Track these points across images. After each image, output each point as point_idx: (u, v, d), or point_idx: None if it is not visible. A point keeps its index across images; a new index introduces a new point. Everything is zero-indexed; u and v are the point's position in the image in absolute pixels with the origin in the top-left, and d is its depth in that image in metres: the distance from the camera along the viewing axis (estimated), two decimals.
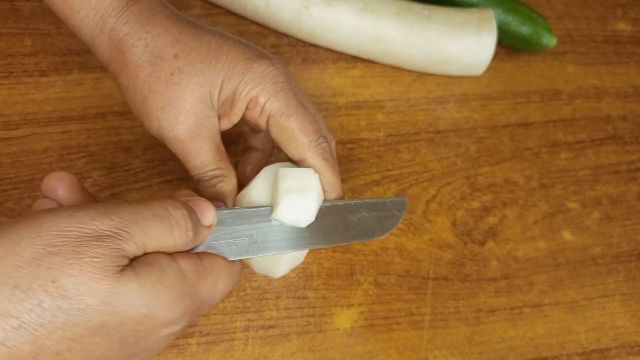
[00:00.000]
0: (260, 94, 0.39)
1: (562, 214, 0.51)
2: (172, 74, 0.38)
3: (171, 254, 0.33)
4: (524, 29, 0.56)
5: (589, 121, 0.56)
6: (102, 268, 0.29)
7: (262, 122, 0.40)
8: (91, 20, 0.39)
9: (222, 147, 0.40)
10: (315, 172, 0.40)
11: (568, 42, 0.60)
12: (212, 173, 0.40)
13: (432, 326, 0.45)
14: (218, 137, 0.40)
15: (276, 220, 0.38)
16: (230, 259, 0.36)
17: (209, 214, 0.35)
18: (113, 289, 0.29)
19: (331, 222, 0.40)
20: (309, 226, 0.39)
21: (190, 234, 0.33)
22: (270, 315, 0.44)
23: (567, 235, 0.51)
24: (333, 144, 0.42)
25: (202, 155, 0.39)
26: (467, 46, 0.53)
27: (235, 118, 0.40)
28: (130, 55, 0.38)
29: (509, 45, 0.57)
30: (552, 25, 0.57)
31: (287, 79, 0.40)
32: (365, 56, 0.55)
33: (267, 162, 0.45)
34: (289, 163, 0.42)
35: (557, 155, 0.54)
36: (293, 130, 0.39)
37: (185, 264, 0.33)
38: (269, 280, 0.45)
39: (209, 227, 0.35)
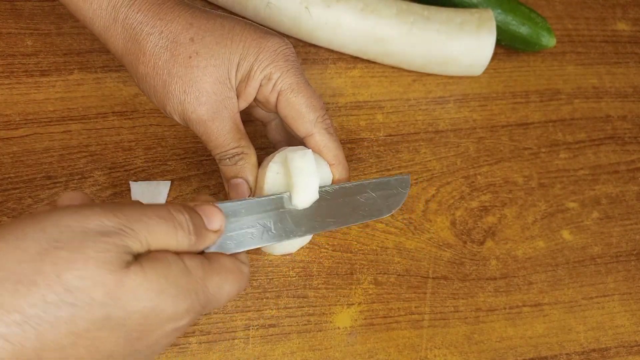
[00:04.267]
0: (274, 71, 0.40)
1: (562, 213, 0.52)
2: (190, 57, 0.39)
3: (177, 253, 0.33)
4: (524, 29, 0.56)
5: (588, 121, 0.57)
6: (107, 262, 0.29)
7: (272, 99, 0.41)
8: (104, 10, 0.39)
9: (241, 126, 0.41)
10: (323, 147, 0.41)
11: (567, 42, 0.60)
12: (233, 151, 0.41)
13: (431, 325, 0.45)
14: (238, 116, 0.41)
15: (292, 203, 0.39)
16: (245, 249, 0.36)
17: (215, 218, 0.35)
18: (118, 282, 0.29)
19: (340, 204, 0.41)
20: (319, 210, 0.40)
21: (193, 237, 0.33)
22: (270, 314, 0.44)
23: (566, 234, 0.51)
24: (332, 122, 0.43)
25: (224, 134, 0.40)
26: (466, 46, 0.53)
27: (249, 97, 0.41)
28: (146, 43, 0.39)
29: (508, 45, 0.57)
30: (551, 25, 0.57)
31: (296, 57, 0.41)
32: (365, 57, 0.55)
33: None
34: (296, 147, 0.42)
35: (556, 155, 0.54)
36: (301, 106, 0.41)
37: (191, 261, 0.33)
38: (270, 279, 0.45)
39: (216, 231, 0.35)
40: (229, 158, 0.41)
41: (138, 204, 0.33)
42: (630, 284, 0.50)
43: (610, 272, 0.50)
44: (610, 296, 0.49)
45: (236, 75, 0.40)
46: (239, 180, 0.41)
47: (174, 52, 0.39)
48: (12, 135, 0.47)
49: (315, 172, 0.39)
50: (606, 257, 0.50)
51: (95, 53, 0.51)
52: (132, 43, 0.39)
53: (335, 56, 0.55)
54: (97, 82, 0.50)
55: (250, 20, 0.55)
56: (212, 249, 0.35)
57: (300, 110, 0.41)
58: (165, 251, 0.32)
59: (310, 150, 0.40)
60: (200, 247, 0.34)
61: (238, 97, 0.41)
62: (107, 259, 0.29)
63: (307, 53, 0.55)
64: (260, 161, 0.43)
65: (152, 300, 0.30)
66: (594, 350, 0.46)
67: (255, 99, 0.42)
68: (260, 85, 0.41)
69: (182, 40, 0.39)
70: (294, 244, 0.44)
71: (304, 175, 0.39)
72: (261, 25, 0.55)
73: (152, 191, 0.46)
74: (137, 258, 0.31)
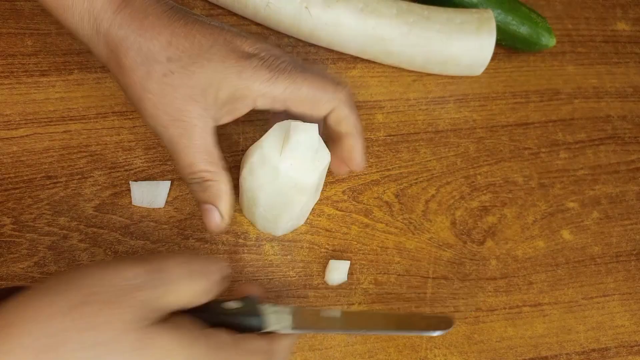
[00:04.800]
0: (263, 87, 0.39)
1: (561, 213, 0.52)
2: (165, 75, 0.39)
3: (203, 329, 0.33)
4: (524, 29, 0.56)
5: (588, 121, 0.57)
6: (133, 320, 0.29)
7: (278, 106, 0.40)
8: (86, 23, 0.40)
9: (214, 149, 0.40)
10: (343, 118, 0.41)
11: (567, 42, 0.60)
12: (201, 175, 0.40)
13: None
14: (210, 137, 0.40)
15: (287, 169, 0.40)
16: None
17: (222, 266, 0.35)
18: (142, 340, 0.29)
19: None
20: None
21: (215, 286, 0.34)
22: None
23: (566, 234, 0.51)
24: (349, 88, 0.42)
25: (190, 155, 0.40)
26: (466, 46, 0.53)
27: (241, 113, 0.41)
28: (124, 58, 0.39)
29: (508, 45, 0.57)
30: (551, 25, 0.57)
31: (279, 59, 0.40)
32: (365, 56, 0.55)
33: None
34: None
35: (556, 155, 0.54)
36: (310, 95, 0.40)
37: (216, 338, 0.33)
38: (270, 279, 0.45)
39: (225, 279, 0.35)
40: (197, 183, 0.40)
41: (165, 256, 0.33)
42: (631, 284, 0.50)
43: (611, 272, 0.50)
44: (610, 296, 0.49)
45: (216, 96, 0.39)
46: (208, 206, 0.41)
47: (150, 69, 0.39)
48: (12, 135, 0.47)
49: (315, 147, 0.40)
50: (606, 257, 0.50)
51: None
52: (113, 55, 0.39)
53: (335, 56, 0.55)
54: (97, 82, 0.50)
55: (250, 20, 0.55)
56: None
57: (313, 99, 0.40)
58: (192, 320, 0.32)
59: (315, 125, 0.40)
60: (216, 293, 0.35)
61: (223, 115, 0.40)
62: (133, 315, 0.30)
63: (307, 53, 0.55)
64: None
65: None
66: (594, 350, 0.46)
67: (263, 109, 0.42)
68: (256, 103, 0.40)
69: (159, 58, 0.38)
70: (278, 224, 0.44)
71: (302, 148, 0.39)
72: (261, 25, 0.55)
73: (152, 191, 0.46)
74: (168, 319, 0.31)
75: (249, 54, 0.39)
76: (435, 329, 0.39)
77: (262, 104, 0.40)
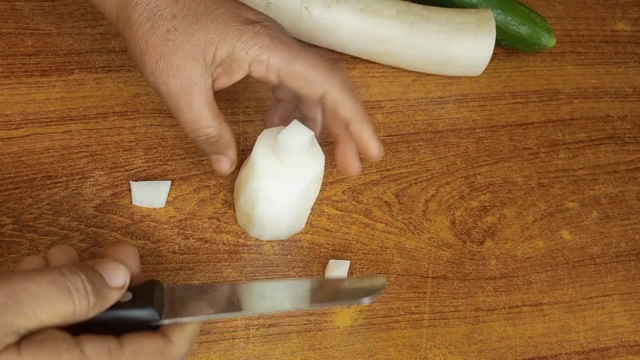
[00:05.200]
0: (260, 53, 0.40)
1: (561, 213, 0.52)
2: (169, 31, 0.40)
3: (76, 335, 0.30)
4: (523, 30, 0.56)
5: (588, 121, 0.57)
6: None
7: (271, 77, 0.41)
8: None
9: (214, 104, 0.41)
10: (339, 103, 0.41)
11: (567, 42, 0.60)
12: (204, 131, 0.41)
13: (431, 325, 0.45)
14: (210, 95, 0.41)
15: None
16: (199, 318, 0.33)
17: (118, 276, 0.32)
18: None
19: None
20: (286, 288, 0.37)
21: (92, 298, 0.30)
22: (270, 314, 0.44)
23: (566, 234, 0.51)
24: (346, 73, 0.42)
25: (193, 111, 0.41)
26: (466, 47, 0.53)
27: (235, 76, 0.41)
28: (132, 12, 0.40)
29: (508, 45, 0.57)
30: (551, 25, 0.57)
31: (282, 31, 0.41)
32: (364, 57, 0.55)
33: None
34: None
35: (555, 155, 0.54)
36: (304, 71, 0.40)
37: (92, 347, 0.29)
38: (270, 279, 0.45)
39: (119, 288, 0.32)
40: (201, 139, 0.42)
41: (30, 272, 0.30)
42: (630, 283, 0.50)
43: (610, 272, 0.50)
44: (610, 296, 0.49)
45: (214, 54, 0.40)
46: (217, 156, 0.43)
47: (155, 24, 0.40)
48: (12, 135, 0.47)
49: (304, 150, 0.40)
50: (606, 257, 0.50)
51: (95, 53, 0.51)
52: (122, 11, 0.41)
53: (335, 56, 0.55)
54: (97, 82, 0.50)
55: None
56: (165, 322, 0.33)
57: (306, 76, 0.40)
58: (59, 334, 0.29)
59: (307, 130, 0.40)
60: (103, 308, 0.31)
61: (220, 76, 0.41)
62: None
63: None
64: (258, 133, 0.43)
65: None
66: (593, 350, 0.47)
67: (257, 79, 0.42)
68: (252, 70, 0.40)
69: (165, 14, 0.40)
70: (284, 231, 0.45)
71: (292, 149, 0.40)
72: None
73: (152, 191, 0.46)
74: (22, 339, 0.28)
75: (253, 21, 0.40)
76: (364, 295, 0.34)
77: (256, 69, 0.40)
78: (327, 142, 0.48)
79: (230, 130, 0.43)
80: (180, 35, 0.39)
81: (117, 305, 0.32)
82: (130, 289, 0.33)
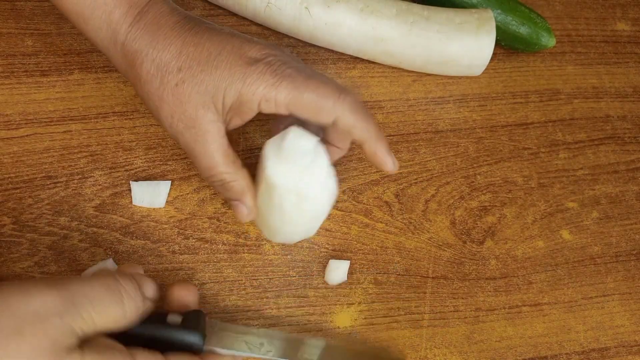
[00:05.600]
0: (267, 92, 0.40)
1: (561, 213, 0.52)
2: (177, 84, 0.40)
3: (130, 350, 0.33)
4: (523, 30, 0.56)
5: (588, 121, 0.57)
6: (43, 348, 0.29)
7: (282, 111, 0.41)
8: (104, 34, 0.41)
9: (230, 150, 0.42)
10: (350, 127, 0.41)
11: (567, 42, 0.60)
12: (220, 177, 0.42)
13: (431, 325, 0.46)
14: (224, 141, 0.41)
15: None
16: (235, 353, 0.38)
17: (149, 286, 0.36)
18: None
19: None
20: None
21: (140, 305, 0.34)
22: (270, 314, 0.44)
23: (565, 234, 0.51)
24: (356, 96, 0.42)
25: (208, 158, 0.41)
26: (466, 47, 0.53)
27: (247, 117, 0.42)
28: (140, 70, 0.41)
29: (508, 45, 0.57)
30: (551, 25, 0.57)
31: (286, 64, 0.41)
32: (364, 57, 0.55)
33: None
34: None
35: (555, 155, 0.54)
36: (313, 102, 0.40)
37: (143, 359, 0.32)
38: (270, 278, 0.45)
39: (151, 298, 0.36)
40: (219, 184, 0.42)
41: (85, 277, 0.33)
42: (630, 283, 0.50)
43: (610, 272, 0.50)
44: (610, 296, 0.49)
45: (223, 100, 0.40)
46: (235, 202, 0.43)
47: (163, 80, 0.40)
48: (12, 135, 0.47)
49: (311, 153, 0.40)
50: (606, 257, 0.50)
51: (95, 53, 0.51)
52: (130, 67, 0.41)
53: (335, 56, 0.55)
54: (97, 82, 0.50)
55: (250, 20, 0.55)
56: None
57: (315, 106, 0.40)
58: (115, 342, 0.32)
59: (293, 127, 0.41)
60: (142, 314, 0.35)
61: (232, 118, 0.42)
62: (44, 344, 0.29)
63: (307, 53, 0.55)
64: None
65: None
66: (593, 350, 0.47)
67: (268, 115, 0.42)
68: (261, 108, 0.41)
69: (171, 69, 0.40)
70: (294, 236, 0.45)
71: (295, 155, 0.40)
72: (261, 25, 0.55)
73: (152, 191, 0.46)
74: (82, 343, 0.30)
75: (256, 59, 0.40)
76: None
77: (266, 107, 0.40)
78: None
79: (247, 176, 0.42)
80: (189, 88, 0.40)
81: (169, 326, 0.36)
82: (182, 313, 0.38)
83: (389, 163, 0.42)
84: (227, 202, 0.43)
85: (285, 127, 0.45)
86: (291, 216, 0.42)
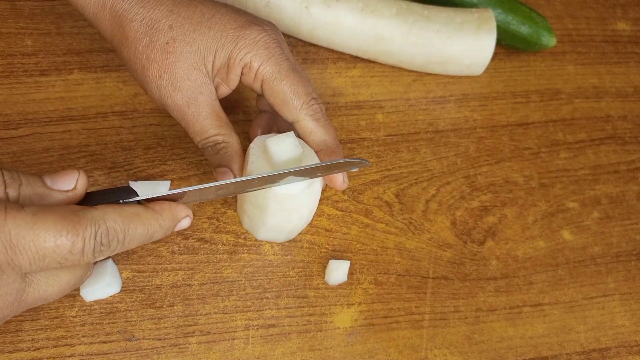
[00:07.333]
0: (253, 60, 0.40)
1: (562, 213, 0.51)
2: (167, 43, 0.40)
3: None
4: (524, 29, 0.56)
5: (589, 121, 0.56)
6: None
7: (256, 86, 0.41)
8: None
9: (222, 113, 0.42)
10: (308, 133, 0.41)
11: (568, 41, 0.60)
12: (213, 139, 0.41)
13: (431, 325, 0.45)
14: (216, 103, 0.41)
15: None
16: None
17: (65, 181, 0.34)
18: None
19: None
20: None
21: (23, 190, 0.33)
22: (270, 314, 0.44)
23: (566, 234, 0.51)
24: (322, 107, 0.42)
25: (201, 120, 0.41)
26: (466, 46, 0.53)
27: (232, 84, 0.42)
28: (128, 29, 0.40)
29: (508, 45, 0.57)
30: (551, 25, 0.57)
31: (279, 44, 0.41)
32: (365, 56, 0.55)
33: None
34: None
35: (556, 154, 0.54)
36: (285, 93, 0.41)
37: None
38: (270, 279, 0.45)
39: (64, 191, 0.34)
40: (210, 147, 0.42)
41: None
42: (631, 284, 0.50)
43: (611, 272, 0.50)
44: (610, 296, 0.49)
45: (213, 62, 0.40)
46: (224, 169, 0.42)
47: (153, 38, 0.40)
48: (12, 135, 0.47)
49: (293, 155, 0.40)
50: (606, 257, 0.50)
51: (95, 53, 0.51)
52: (117, 28, 0.41)
53: (335, 56, 0.55)
54: (96, 81, 0.50)
55: None
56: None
57: (285, 98, 0.41)
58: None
59: (291, 133, 0.40)
60: (41, 203, 0.33)
61: (219, 84, 0.42)
62: None
63: (307, 53, 0.55)
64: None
65: None
66: (594, 350, 0.46)
67: (244, 85, 0.42)
68: (242, 74, 0.41)
69: (161, 27, 0.40)
70: (279, 235, 0.45)
71: (280, 157, 0.39)
72: None
73: (151, 191, 0.46)
74: None
75: (250, 22, 0.40)
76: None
77: (246, 75, 0.41)
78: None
79: (239, 141, 0.42)
80: (180, 46, 0.40)
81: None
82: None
83: (338, 179, 0.42)
84: (214, 171, 0.42)
85: (263, 131, 0.46)
86: (274, 215, 0.42)
